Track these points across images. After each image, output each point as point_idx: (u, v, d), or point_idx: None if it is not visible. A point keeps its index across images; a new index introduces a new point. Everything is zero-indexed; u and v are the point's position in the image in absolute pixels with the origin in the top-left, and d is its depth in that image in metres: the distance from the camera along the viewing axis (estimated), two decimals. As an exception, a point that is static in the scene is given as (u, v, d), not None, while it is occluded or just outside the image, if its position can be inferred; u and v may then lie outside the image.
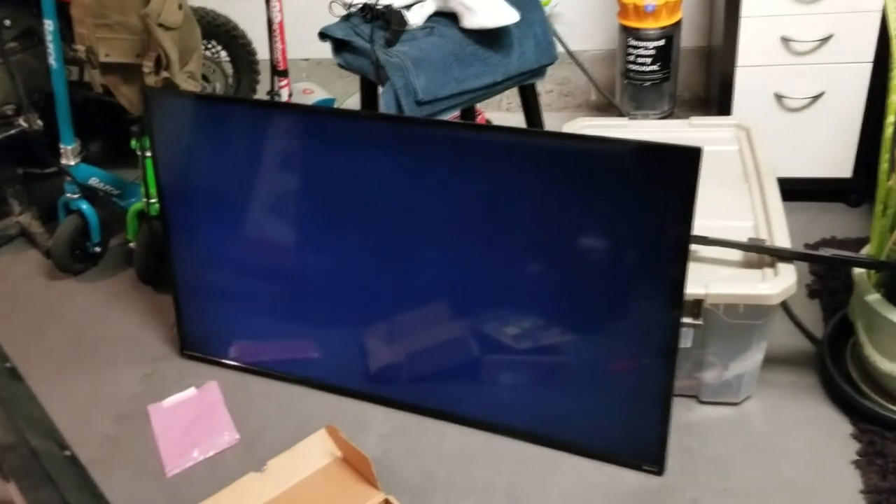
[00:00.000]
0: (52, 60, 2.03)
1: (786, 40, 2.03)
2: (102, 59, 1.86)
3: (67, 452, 0.93)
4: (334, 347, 1.77)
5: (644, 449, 1.54)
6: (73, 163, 2.14)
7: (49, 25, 2.00)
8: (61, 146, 2.13)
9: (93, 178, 2.19)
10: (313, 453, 1.61)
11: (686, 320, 1.52)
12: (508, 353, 1.60)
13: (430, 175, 1.54)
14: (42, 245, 2.35)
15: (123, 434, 1.75)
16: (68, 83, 2.10)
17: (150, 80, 1.85)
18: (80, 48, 1.90)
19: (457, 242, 1.57)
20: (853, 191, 2.21)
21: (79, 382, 1.90)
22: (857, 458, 1.53)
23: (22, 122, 2.20)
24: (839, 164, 2.16)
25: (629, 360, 1.51)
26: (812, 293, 1.93)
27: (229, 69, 2.74)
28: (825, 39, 2.01)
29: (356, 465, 1.56)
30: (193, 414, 1.76)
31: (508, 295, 1.57)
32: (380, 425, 1.70)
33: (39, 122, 2.20)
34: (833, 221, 2.17)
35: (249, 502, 1.53)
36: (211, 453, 1.68)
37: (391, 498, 1.49)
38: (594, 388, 1.55)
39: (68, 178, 2.15)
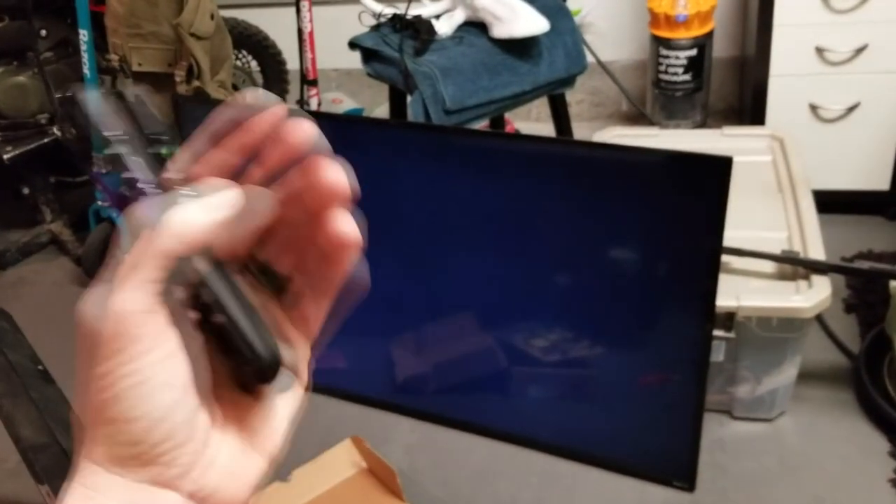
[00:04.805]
0: (86, 70, 2.06)
1: (820, 50, 2.00)
2: (135, 68, 1.89)
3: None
4: (361, 357, 1.76)
5: (674, 464, 1.51)
6: (104, 171, 2.17)
7: (84, 36, 2.03)
8: (93, 154, 2.16)
9: (123, 187, 2.21)
10: (338, 464, 1.60)
11: (718, 333, 1.50)
12: (536, 366, 1.59)
13: (458, 184, 1.54)
14: (73, 253, 2.38)
15: (150, 441, 1.76)
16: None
17: (182, 89, 1.87)
18: (114, 58, 1.93)
19: (485, 252, 1.56)
20: (891, 203, 2.16)
21: (107, 389, 1.91)
22: (895, 476, 1.49)
23: (55, 130, 2.23)
24: (876, 176, 2.12)
25: (659, 373, 1.48)
26: (849, 307, 1.89)
27: (259, 79, 2.76)
28: (860, 49, 1.97)
29: (381, 476, 1.55)
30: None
31: (537, 306, 1.55)
32: (405, 436, 1.69)
33: (72, 131, 2.24)
34: (870, 235, 2.12)
35: (274, 511, 1.52)
36: (236, 461, 1.68)
37: (416, 510, 1.47)
38: (623, 401, 1.53)
39: (99, 187, 2.18)
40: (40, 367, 1.29)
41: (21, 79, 2.23)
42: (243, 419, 0.35)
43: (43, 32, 2.23)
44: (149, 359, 0.30)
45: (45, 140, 2.26)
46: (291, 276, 0.37)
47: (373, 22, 1.98)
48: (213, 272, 0.32)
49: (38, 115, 2.26)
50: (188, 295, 0.32)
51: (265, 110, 0.34)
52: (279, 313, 0.36)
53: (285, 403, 0.36)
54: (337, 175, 0.34)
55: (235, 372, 0.34)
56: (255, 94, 0.34)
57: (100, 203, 2.22)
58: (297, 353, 0.37)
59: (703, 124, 2.38)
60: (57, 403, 1.22)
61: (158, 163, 0.33)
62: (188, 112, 1.75)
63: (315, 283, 0.36)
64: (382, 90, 2.17)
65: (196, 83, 1.87)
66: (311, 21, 2.13)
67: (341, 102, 2.76)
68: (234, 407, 0.34)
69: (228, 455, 0.33)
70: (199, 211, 0.31)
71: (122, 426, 0.30)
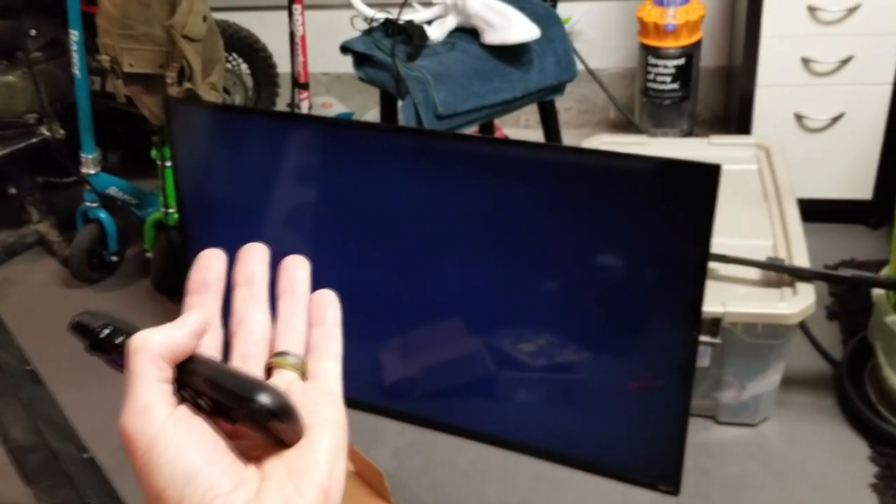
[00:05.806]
0: (77, 70, 2.05)
1: (806, 61, 2.02)
2: (126, 69, 1.88)
3: (86, 455, 0.93)
4: (349, 360, 1.76)
5: (660, 468, 1.52)
6: (92, 172, 2.16)
7: (74, 36, 2.03)
8: (82, 155, 2.15)
9: (112, 188, 2.20)
10: (326, 466, 1.60)
11: (704, 339, 1.51)
12: (524, 370, 1.59)
13: (447, 189, 1.55)
14: (60, 253, 2.37)
15: (137, 442, 1.75)
16: (91, 93, 2.12)
17: (173, 91, 1.87)
18: (105, 58, 1.92)
19: (473, 257, 1.56)
20: (873, 213, 2.19)
21: (93, 391, 1.90)
22: (875, 481, 1.51)
23: (44, 130, 2.22)
24: (859, 185, 2.15)
25: (646, 378, 1.49)
26: (831, 315, 1.91)
27: (250, 82, 2.76)
28: (845, 61, 2.00)
29: (369, 479, 1.55)
30: (207, 424, 1.76)
31: (524, 311, 1.56)
32: (394, 440, 1.69)
33: (61, 131, 2.22)
34: (853, 243, 2.15)
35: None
36: (224, 464, 1.67)
37: (404, 512, 1.48)
38: (610, 406, 1.54)
39: (87, 187, 2.17)
40: (28, 368, 1.29)
41: (10, 78, 2.22)
42: (287, 463, 0.38)
43: (33, 32, 2.22)
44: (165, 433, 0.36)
45: (33, 140, 2.24)
46: None
47: (365, 26, 1.99)
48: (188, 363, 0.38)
49: (27, 115, 2.24)
50: (180, 391, 0.38)
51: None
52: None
53: (321, 435, 0.39)
54: None
55: (249, 423, 0.37)
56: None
57: (87, 204, 2.20)
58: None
59: (689, 133, 2.40)
60: (45, 404, 1.21)
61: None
62: (179, 114, 1.75)
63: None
64: (372, 95, 2.18)
65: (187, 85, 1.87)
66: (303, 24, 2.14)
67: (331, 107, 2.76)
68: (274, 457, 0.38)
69: (280, 495, 0.36)
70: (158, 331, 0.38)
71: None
